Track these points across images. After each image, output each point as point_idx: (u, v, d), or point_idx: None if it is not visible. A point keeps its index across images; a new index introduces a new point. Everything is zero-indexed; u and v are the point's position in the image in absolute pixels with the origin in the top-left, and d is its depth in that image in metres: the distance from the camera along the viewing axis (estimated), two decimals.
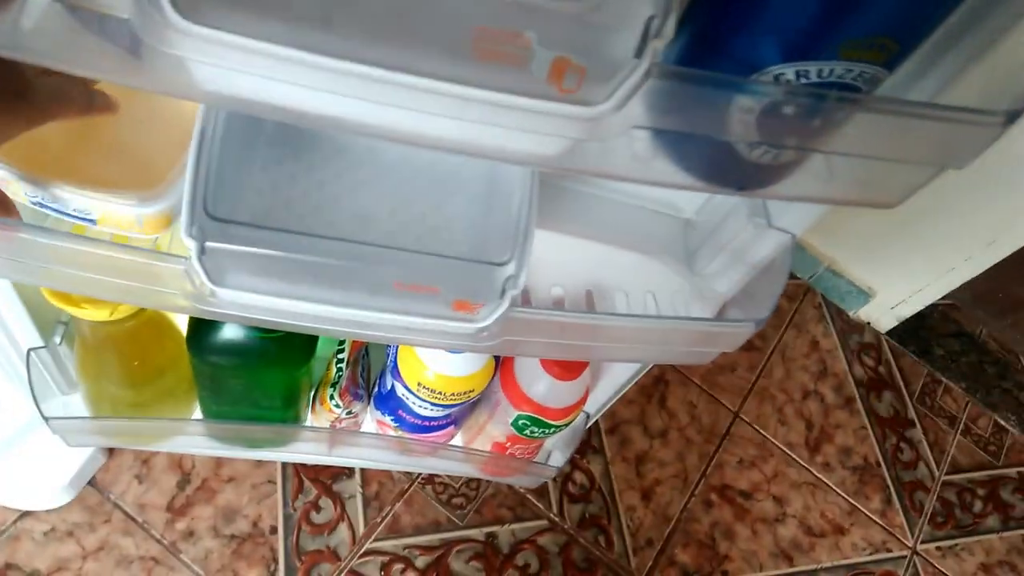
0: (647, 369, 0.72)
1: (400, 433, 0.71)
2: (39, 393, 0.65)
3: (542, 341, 0.43)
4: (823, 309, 1.44)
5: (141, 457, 1.00)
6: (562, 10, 0.26)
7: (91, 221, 0.42)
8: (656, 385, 1.26)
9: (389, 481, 1.06)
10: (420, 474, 1.06)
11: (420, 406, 0.67)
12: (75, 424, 0.63)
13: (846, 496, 1.24)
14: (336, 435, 0.68)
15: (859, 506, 1.24)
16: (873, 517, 1.24)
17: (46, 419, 0.62)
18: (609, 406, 0.80)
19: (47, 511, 0.95)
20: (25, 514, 0.94)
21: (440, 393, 0.64)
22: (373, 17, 0.25)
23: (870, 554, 1.20)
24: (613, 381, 0.69)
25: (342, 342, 0.68)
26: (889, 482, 1.28)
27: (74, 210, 0.41)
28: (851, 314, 1.44)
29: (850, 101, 0.28)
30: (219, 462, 1.01)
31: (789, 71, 0.28)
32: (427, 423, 0.70)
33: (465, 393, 0.64)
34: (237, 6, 0.24)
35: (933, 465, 1.32)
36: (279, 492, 1.02)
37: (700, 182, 0.33)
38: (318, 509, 1.02)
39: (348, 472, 1.05)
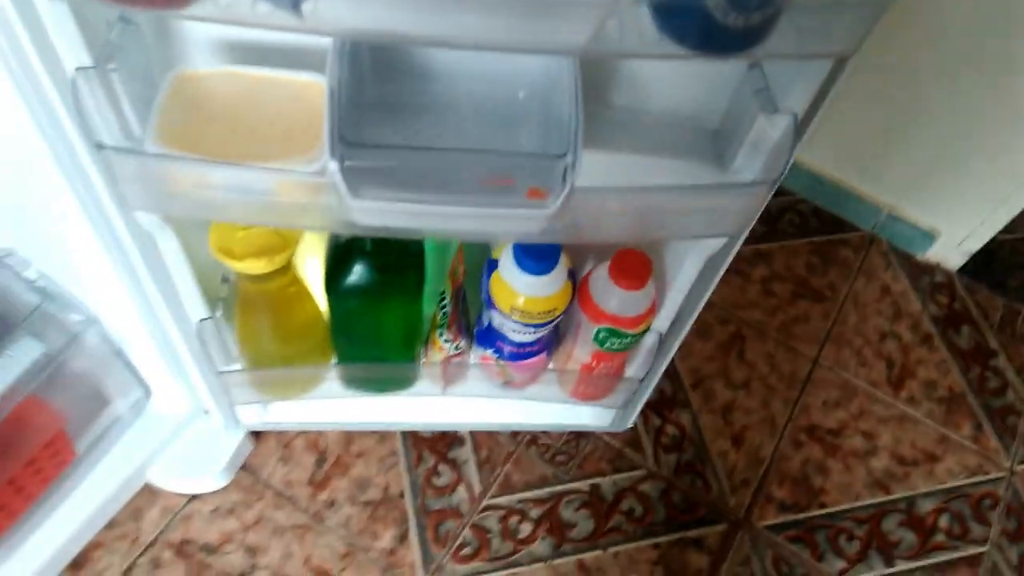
0: (705, 298, 0.82)
1: (502, 364, 0.84)
2: (211, 357, 0.81)
3: (602, 218, 0.56)
4: (890, 257, 1.49)
5: (282, 441, 1.16)
6: None
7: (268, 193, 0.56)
8: (733, 341, 1.34)
9: (497, 446, 1.18)
10: (525, 436, 1.18)
11: (515, 330, 0.79)
12: (240, 377, 0.79)
13: (936, 425, 1.28)
14: (449, 369, 0.82)
15: (950, 434, 1.27)
16: (965, 443, 1.27)
17: (218, 373, 0.78)
18: (679, 342, 0.90)
19: (210, 493, 1.11)
20: (193, 497, 1.11)
21: (530, 314, 0.77)
22: None
23: (966, 477, 1.24)
24: (675, 297, 0.79)
25: (442, 290, 0.82)
26: (978, 409, 1.31)
27: (253, 190, 0.56)
28: (919, 257, 1.49)
29: None
30: (348, 439, 1.16)
31: None
32: (523, 349, 0.82)
33: (551, 312, 0.77)
34: None
35: (1022, 389, 1.34)
36: (402, 462, 1.16)
37: (695, 51, 0.45)
38: (438, 474, 1.15)
39: (460, 440, 1.17)
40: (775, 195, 0.67)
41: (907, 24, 1.20)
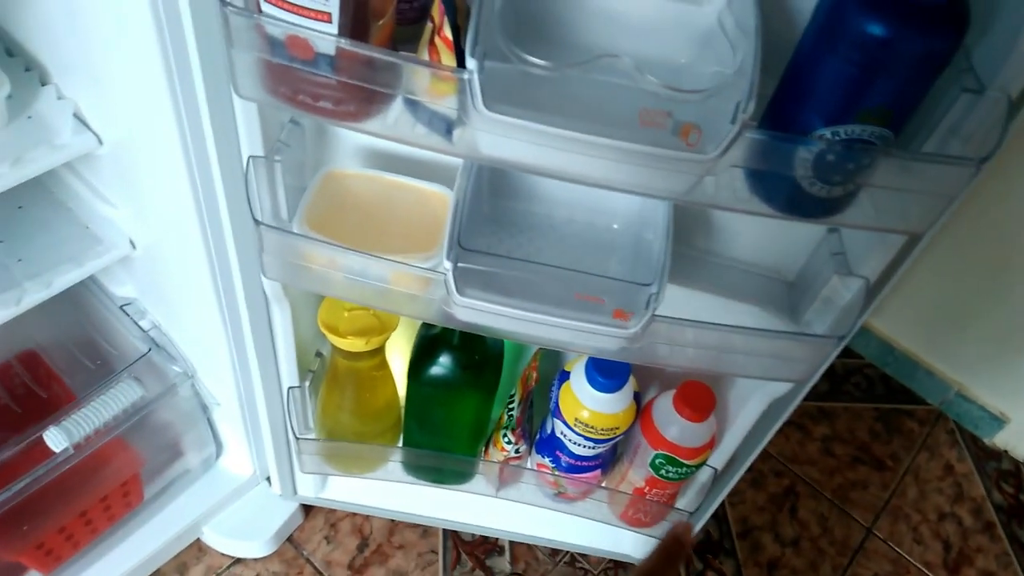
0: (764, 442, 0.84)
1: (557, 475, 0.87)
2: (291, 423, 0.87)
3: (677, 346, 0.61)
4: (956, 435, 1.47)
5: (330, 520, 1.19)
6: (689, 98, 0.47)
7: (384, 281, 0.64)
8: (786, 495, 1.33)
9: (535, 561, 1.18)
10: (564, 556, 1.18)
11: (575, 443, 0.83)
12: (314, 445, 0.84)
13: None
14: (506, 470, 0.86)
15: None
16: None
17: (297, 437, 0.84)
18: (731, 486, 0.92)
19: (254, 559, 1.15)
20: (237, 560, 1.15)
21: (593, 428, 0.81)
22: (585, 106, 0.47)
23: None
24: (735, 435, 0.83)
25: (512, 393, 0.87)
26: None
27: (373, 276, 0.64)
28: (986, 440, 1.46)
29: (863, 149, 0.47)
30: (392, 529, 1.19)
31: (827, 132, 0.48)
32: (580, 462, 0.86)
33: (613, 429, 0.81)
34: (518, 105, 0.46)
35: None
36: (440, 561, 1.17)
37: (780, 212, 0.52)
38: None
39: (499, 548, 1.19)
40: (843, 356, 0.69)
41: (989, 203, 1.24)
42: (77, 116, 0.76)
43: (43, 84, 0.77)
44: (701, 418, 0.79)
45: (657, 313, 0.60)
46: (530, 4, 0.56)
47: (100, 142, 0.76)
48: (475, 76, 0.46)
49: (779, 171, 0.49)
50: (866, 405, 1.49)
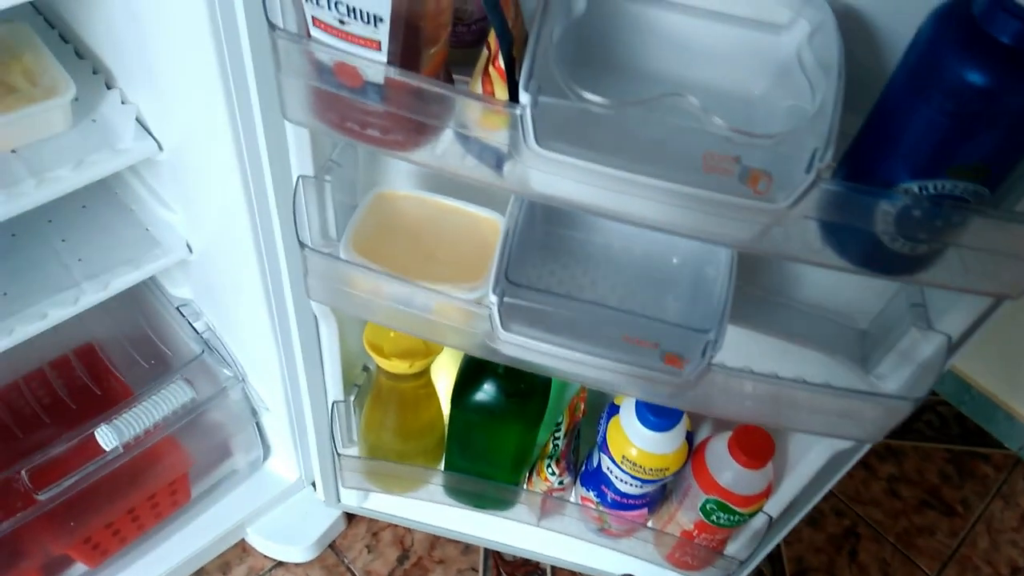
0: (825, 489, 0.79)
1: (601, 510, 0.84)
2: (335, 437, 0.86)
3: (734, 397, 0.57)
4: None
5: (372, 529, 1.19)
6: (759, 143, 0.43)
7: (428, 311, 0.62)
8: (846, 536, 1.26)
9: None
10: None
11: (622, 480, 0.80)
12: (355, 463, 0.83)
13: None
14: (548, 501, 0.83)
15: None
16: None
17: (339, 455, 0.83)
18: (788, 529, 0.87)
19: (295, 564, 1.15)
20: (279, 564, 1.15)
21: (641, 467, 0.77)
22: (645, 146, 0.43)
23: None
24: (793, 484, 0.77)
25: (559, 421, 0.84)
26: None
27: (416, 306, 0.62)
28: None
29: (954, 207, 0.42)
30: (434, 543, 1.17)
31: (914, 186, 0.43)
32: (626, 500, 0.82)
33: (662, 470, 0.77)
34: (572, 142, 0.43)
35: None
36: None
37: (856, 267, 0.47)
38: None
39: (541, 571, 1.16)
40: None
41: None
42: (139, 121, 0.76)
43: (108, 87, 0.78)
44: (758, 465, 0.74)
45: (714, 362, 0.56)
46: (594, 29, 0.52)
47: (160, 148, 0.76)
48: (528, 112, 0.43)
49: (857, 225, 0.44)
50: (938, 445, 1.40)
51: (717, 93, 0.53)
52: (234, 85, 0.59)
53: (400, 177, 0.71)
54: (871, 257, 0.47)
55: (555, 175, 0.46)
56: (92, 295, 0.83)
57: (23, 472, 0.84)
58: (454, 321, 0.59)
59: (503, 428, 0.79)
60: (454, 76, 0.53)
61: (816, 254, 0.47)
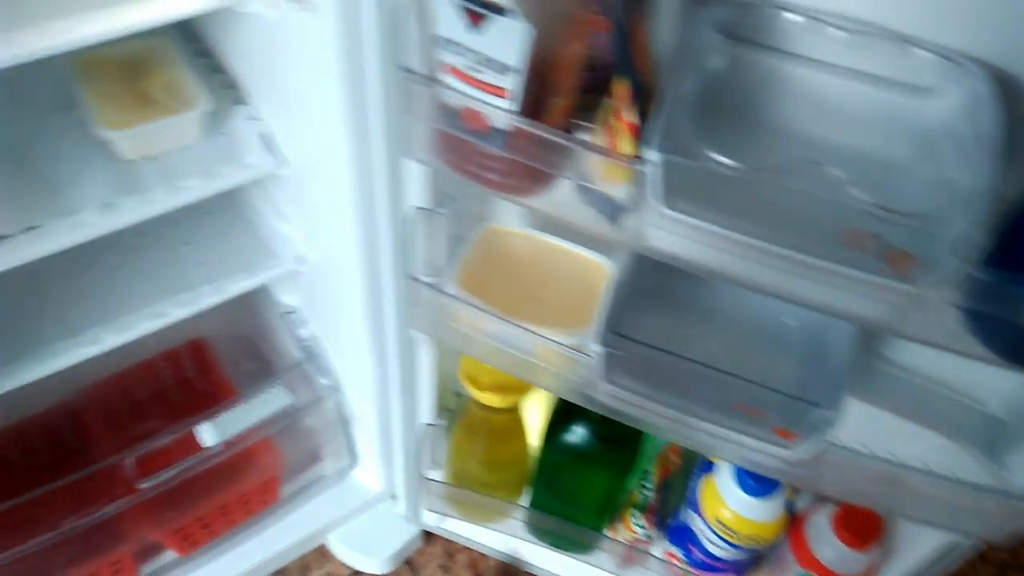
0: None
1: (686, 568, 0.80)
2: (421, 458, 0.86)
3: (847, 478, 0.53)
4: None
5: (448, 550, 1.19)
6: (904, 222, 0.39)
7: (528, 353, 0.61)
8: None
9: None
10: None
11: (712, 543, 0.76)
12: (441, 488, 0.83)
13: None
14: (631, 553, 0.80)
15: None
16: None
17: (424, 478, 0.83)
18: None
19: (371, 574, 1.16)
20: (355, 573, 1.16)
21: (734, 532, 0.73)
22: (775, 214, 0.41)
23: None
24: (899, 570, 0.72)
25: (648, 470, 0.81)
26: None
27: (517, 347, 0.61)
28: None
29: None
30: (506, 572, 1.16)
31: None
32: (714, 562, 0.78)
33: (756, 538, 0.73)
34: (698, 203, 0.42)
35: None
36: None
37: (1002, 359, 0.43)
38: None
39: None
40: None
41: None
42: (266, 137, 0.79)
43: (238, 103, 0.81)
44: (864, 547, 0.69)
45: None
46: (729, 84, 0.50)
47: (283, 165, 0.79)
48: (657, 171, 0.42)
49: (1007, 317, 0.40)
50: None
51: (853, 156, 0.50)
52: (356, 120, 0.60)
53: (510, 213, 0.71)
54: (1020, 352, 0.43)
55: (676, 235, 0.44)
56: (208, 298, 0.86)
57: (129, 460, 0.89)
58: (554, 365, 0.58)
59: (592, 473, 0.77)
60: (571, 120, 0.52)
61: (958, 341, 0.44)
